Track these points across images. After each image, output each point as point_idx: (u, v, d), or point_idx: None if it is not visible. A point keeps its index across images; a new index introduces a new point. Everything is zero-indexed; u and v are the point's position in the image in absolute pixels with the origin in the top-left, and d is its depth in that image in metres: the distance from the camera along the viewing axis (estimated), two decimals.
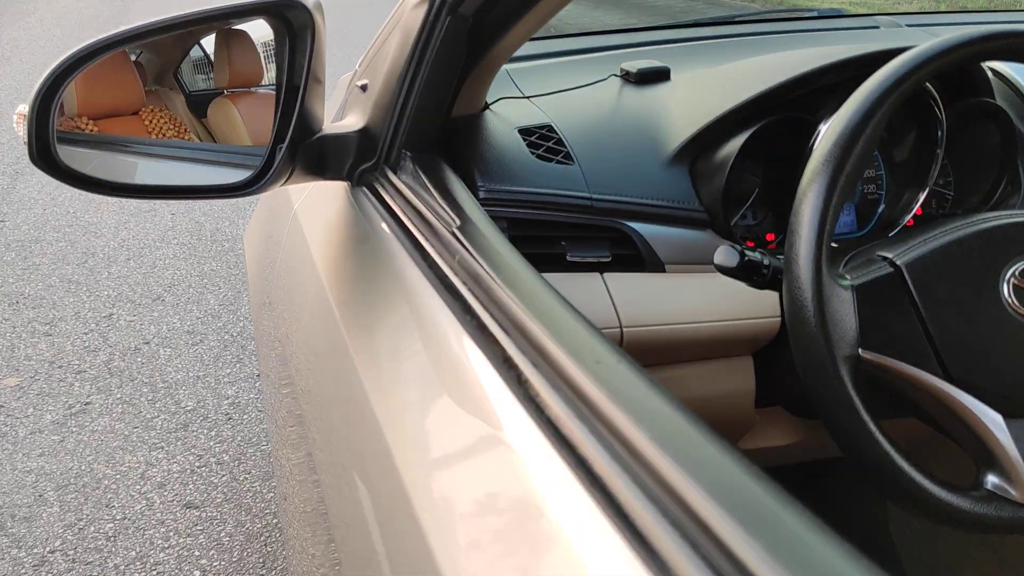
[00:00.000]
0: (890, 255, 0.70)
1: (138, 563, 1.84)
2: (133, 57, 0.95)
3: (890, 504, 1.10)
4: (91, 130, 0.84)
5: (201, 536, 1.91)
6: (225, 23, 0.86)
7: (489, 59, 0.81)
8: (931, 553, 1.15)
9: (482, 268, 0.57)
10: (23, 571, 1.81)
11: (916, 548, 1.14)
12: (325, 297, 0.76)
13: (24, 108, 0.72)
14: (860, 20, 1.33)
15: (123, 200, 4.00)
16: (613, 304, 0.84)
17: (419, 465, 0.51)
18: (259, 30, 0.95)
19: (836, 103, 0.89)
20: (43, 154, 0.70)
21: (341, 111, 1.02)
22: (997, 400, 0.69)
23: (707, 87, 0.98)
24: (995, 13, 1.67)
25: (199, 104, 1.18)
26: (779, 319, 0.87)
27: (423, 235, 0.67)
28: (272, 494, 2.04)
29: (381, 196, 0.79)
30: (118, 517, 1.97)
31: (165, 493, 2.05)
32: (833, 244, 0.71)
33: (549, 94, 0.98)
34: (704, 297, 0.86)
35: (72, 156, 0.73)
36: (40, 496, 2.04)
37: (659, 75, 1.02)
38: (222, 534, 1.92)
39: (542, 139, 0.90)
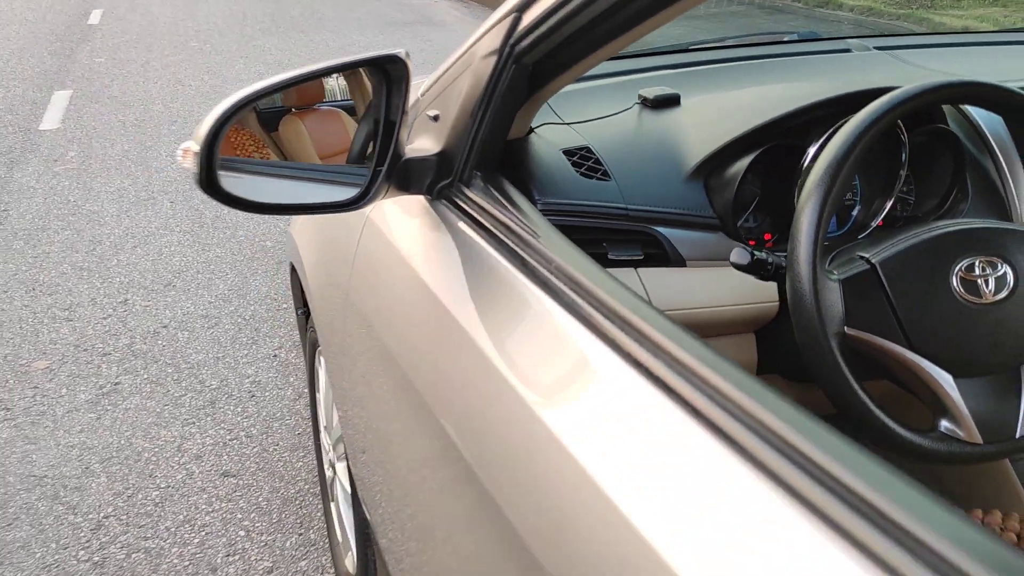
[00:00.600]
0: (867, 255, 0.92)
1: (187, 525, 2.02)
2: None
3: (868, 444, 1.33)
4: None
5: (241, 501, 2.10)
6: (341, 73, 1.04)
7: (540, 95, 1.01)
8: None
9: (567, 267, 0.77)
10: (82, 534, 1.99)
11: None
12: (424, 287, 0.95)
13: (190, 145, 0.90)
14: (833, 43, 1.54)
15: (122, 188, 4.13)
16: (646, 293, 1.05)
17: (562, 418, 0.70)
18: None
19: (821, 131, 1.11)
20: (209, 183, 0.88)
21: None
22: (948, 364, 0.90)
23: (713, 115, 1.19)
24: (955, 35, 1.88)
25: (268, 120, 1.37)
26: (777, 304, 1.08)
27: (511, 240, 0.86)
28: (301, 464, 2.23)
29: (460, 207, 0.98)
30: (162, 486, 2.15)
31: (203, 464, 2.24)
32: (835, 271, 0.92)
33: (585, 121, 1.18)
34: (717, 286, 1.07)
35: (224, 181, 0.91)
36: (87, 468, 2.21)
37: (671, 101, 1.22)
38: (260, 499, 2.11)
39: (583, 159, 1.11)
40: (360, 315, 1.16)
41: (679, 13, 0.76)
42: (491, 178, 1.02)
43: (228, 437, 2.34)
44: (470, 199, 0.99)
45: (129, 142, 4.83)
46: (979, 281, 0.90)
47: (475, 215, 0.96)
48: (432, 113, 1.12)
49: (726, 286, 1.07)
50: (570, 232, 1.05)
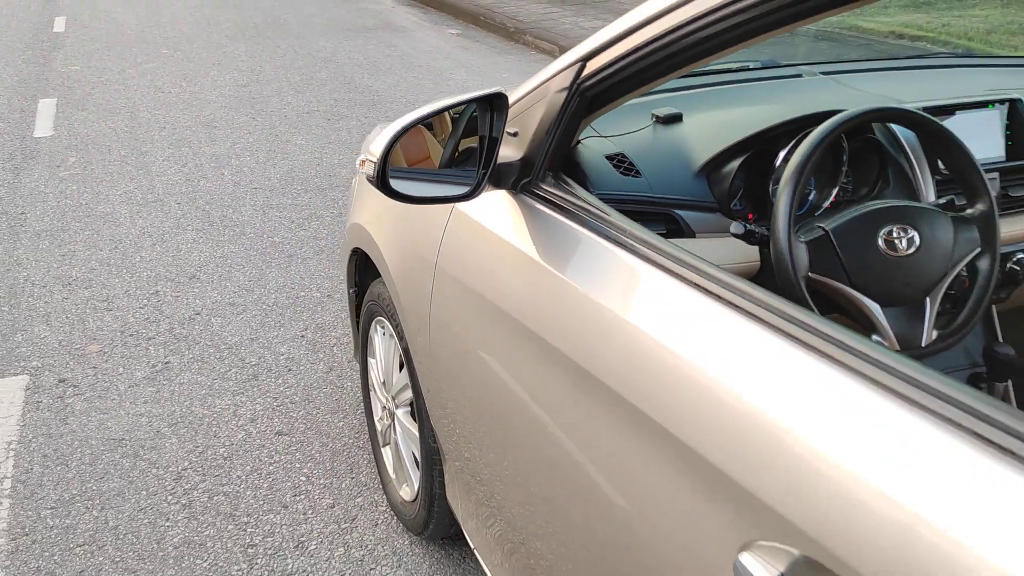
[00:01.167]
0: (823, 225, 1.35)
1: (255, 474, 2.39)
2: None
3: None
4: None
5: (297, 453, 2.48)
6: (464, 105, 1.42)
7: (591, 117, 1.43)
8: None
9: (634, 232, 1.18)
10: (166, 483, 2.34)
11: None
12: (517, 250, 1.34)
13: (367, 156, 1.29)
14: (789, 69, 1.99)
15: (129, 191, 4.44)
16: None
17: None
18: None
19: (787, 141, 1.55)
20: (383, 184, 1.27)
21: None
22: (877, 297, 1.34)
23: (708, 129, 1.62)
24: (882, 60, 2.34)
25: None
26: (758, 263, 1.51)
27: (586, 215, 1.26)
28: (343, 423, 2.61)
29: (540, 196, 1.39)
30: (226, 444, 2.52)
31: (257, 425, 2.60)
32: (803, 237, 1.36)
33: (616, 135, 1.60)
34: (721, 250, 1.49)
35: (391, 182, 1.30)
36: (157, 432, 2.56)
37: (677, 118, 1.65)
38: (312, 452, 2.49)
39: (620, 162, 1.52)
40: (450, 277, 1.56)
41: (702, 64, 1.18)
42: (559, 176, 1.43)
43: (275, 404, 2.71)
44: (548, 191, 1.40)
45: (125, 148, 5.12)
46: (896, 241, 1.35)
47: (553, 201, 1.37)
48: (512, 130, 1.52)
49: (726, 250, 1.51)
50: None
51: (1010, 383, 1.73)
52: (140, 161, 4.90)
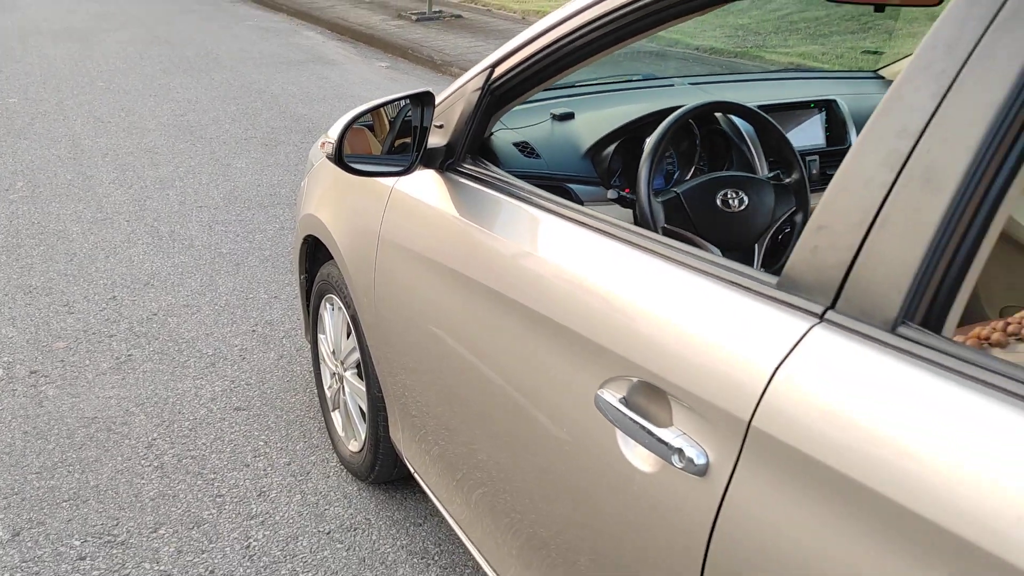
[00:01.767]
0: (676, 190, 1.78)
1: (218, 441, 2.72)
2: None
3: None
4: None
5: (255, 424, 2.81)
6: (398, 101, 1.82)
7: (500, 112, 1.84)
8: None
9: (543, 194, 1.58)
10: (139, 451, 2.65)
11: None
12: (445, 215, 1.73)
13: (326, 139, 1.68)
14: (664, 81, 2.45)
15: (80, 210, 4.70)
16: None
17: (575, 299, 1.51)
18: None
19: (651, 130, 1.99)
20: (340, 160, 1.65)
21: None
22: (717, 243, 1.77)
23: (594, 123, 2.05)
24: (737, 74, 2.81)
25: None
26: (633, 220, 1.94)
27: (501, 184, 1.66)
28: (295, 400, 2.95)
29: (463, 174, 1.78)
30: (190, 418, 2.83)
31: (217, 403, 2.93)
32: (659, 199, 1.79)
33: (521, 128, 2.02)
34: (604, 212, 1.93)
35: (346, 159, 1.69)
36: (127, 411, 2.87)
37: (569, 116, 2.08)
38: (268, 422, 2.82)
39: (523, 148, 1.94)
40: (390, 242, 1.95)
41: (588, 64, 1.59)
42: (476, 158, 1.83)
43: (232, 386, 3.04)
44: (467, 168, 1.80)
45: (70, 173, 5.37)
46: (730, 201, 1.79)
47: (472, 175, 1.77)
48: (438, 123, 1.92)
49: (607, 213, 1.93)
50: None
51: None
52: (86, 184, 5.16)
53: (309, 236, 2.50)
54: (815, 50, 10.45)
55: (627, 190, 2.01)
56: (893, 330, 0.92)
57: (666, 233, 1.75)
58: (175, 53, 9.71)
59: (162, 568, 2.18)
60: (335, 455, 2.65)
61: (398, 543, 2.30)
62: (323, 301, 2.56)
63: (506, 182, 1.65)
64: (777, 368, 1.00)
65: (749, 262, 1.79)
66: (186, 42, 10.45)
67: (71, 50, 9.72)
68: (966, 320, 1.02)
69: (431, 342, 1.76)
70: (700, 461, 1.06)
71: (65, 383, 3.01)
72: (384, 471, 2.37)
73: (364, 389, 2.32)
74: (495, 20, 11.36)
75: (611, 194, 1.80)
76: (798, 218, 1.82)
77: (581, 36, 1.44)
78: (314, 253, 2.62)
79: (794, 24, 10.36)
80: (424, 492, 2.47)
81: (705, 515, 1.07)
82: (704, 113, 1.82)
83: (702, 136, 2.00)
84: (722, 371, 1.06)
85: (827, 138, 2.19)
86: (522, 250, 1.50)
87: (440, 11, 11.53)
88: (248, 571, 2.18)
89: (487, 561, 1.70)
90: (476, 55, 8.93)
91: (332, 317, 2.50)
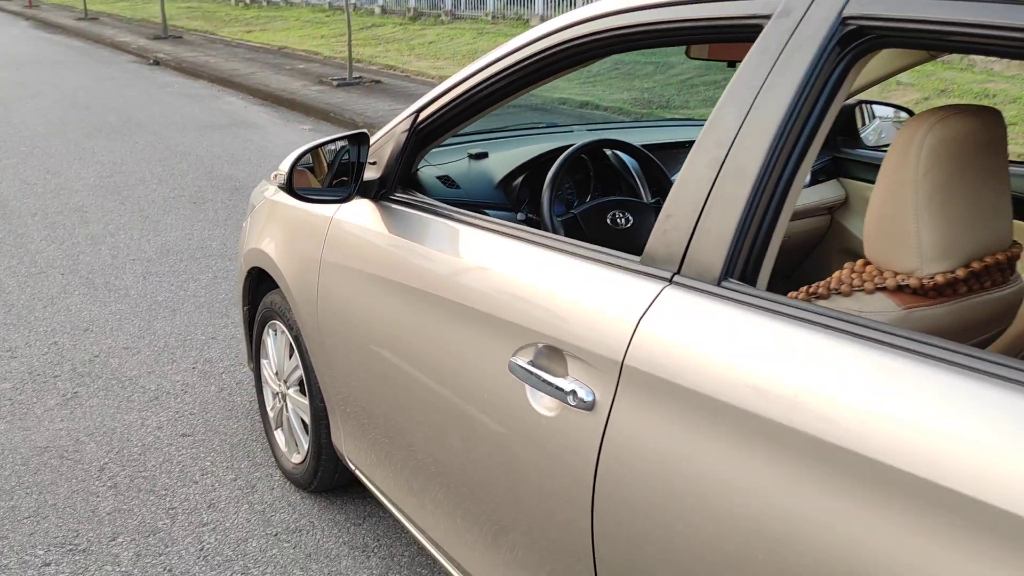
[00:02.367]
0: (574, 211, 2.13)
1: (167, 463, 2.93)
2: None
3: None
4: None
5: (201, 447, 3.03)
6: (337, 142, 2.14)
7: (425, 151, 2.18)
8: None
9: (468, 214, 1.91)
10: (92, 473, 2.84)
11: None
12: (379, 235, 2.05)
13: (279, 171, 1.99)
14: (565, 128, 2.84)
15: (13, 265, 4.84)
16: None
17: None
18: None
19: (550, 165, 2.36)
20: (290, 188, 1.96)
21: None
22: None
23: (505, 161, 2.42)
24: (636, 121, 3.24)
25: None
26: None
27: (427, 208, 1.99)
28: (237, 425, 3.18)
29: (395, 201, 2.11)
30: (139, 445, 3.04)
31: (164, 431, 3.13)
32: (559, 218, 2.15)
33: (444, 164, 2.37)
34: None
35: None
36: (77, 440, 3.05)
37: (484, 155, 2.44)
38: (213, 445, 3.04)
39: (445, 180, 2.28)
40: (331, 264, 2.25)
41: (498, 107, 1.94)
42: (406, 189, 2.16)
43: (177, 416, 3.25)
44: (398, 197, 2.12)
45: (1, 232, 5.49)
46: (618, 220, 2.16)
47: (402, 202, 2.09)
48: (372, 160, 2.25)
49: None
50: None
51: None
52: (18, 242, 5.29)
53: (253, 269, 2.78)
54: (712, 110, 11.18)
55: (533, 213, 2.36)
56: (719, 284, 1.27)
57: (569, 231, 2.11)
58: (97, 118, 9.84)
59: (123, 570, 2.39)
60: (279, 470, 2.88)
61: (340, 540, 2.55)
62: (266, 328, 2.83)
63: (431, 204, 1.98)
64: (640, 319, 1.34)
65: None
66: (107, 108, 10.58)
67: None
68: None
69: (369, 345, 2.05)
70: (588, 398, 1.39)
71: (15, 418, 3.18)
72: (326, 477, 2.63)
73: (307, 403, 2.59)
74: (413, 85, 11.83)
75: (520, 216, 2.15)
76: None
77: (490, 84, 1.79)
78: (257, 286, 2.89)
79: (695, 87, 11.09)
80: (363, 495, 2.73)
81: (595, 440, 1.39)
82: (594, 149, 2.20)
83: (596, 169, 2.38)
84: (602, 326, 1.40)
85: None
86: (443, 255, 1.82)
87: (360, 77, 11.94)
88: (204, 569, 2.40)
89: (419, 528, 1.99)
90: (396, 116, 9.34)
91: (275, 341, 2.77)
